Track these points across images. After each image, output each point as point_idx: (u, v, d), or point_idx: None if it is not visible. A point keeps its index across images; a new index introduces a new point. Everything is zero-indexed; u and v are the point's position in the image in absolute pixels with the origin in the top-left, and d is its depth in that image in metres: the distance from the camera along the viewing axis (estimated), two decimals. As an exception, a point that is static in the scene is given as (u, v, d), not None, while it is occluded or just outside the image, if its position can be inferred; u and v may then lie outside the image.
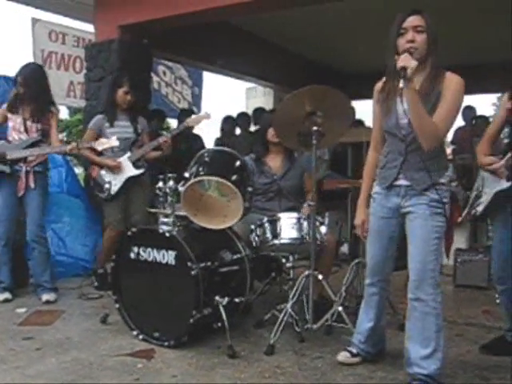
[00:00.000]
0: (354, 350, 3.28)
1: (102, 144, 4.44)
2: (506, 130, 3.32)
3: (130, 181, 4.87)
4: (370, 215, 3.10)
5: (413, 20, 2.72)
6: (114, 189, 4.83)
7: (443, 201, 2.79)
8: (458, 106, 2.76)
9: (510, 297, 3.33)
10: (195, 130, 6.74)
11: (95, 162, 4.92)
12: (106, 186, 4.82)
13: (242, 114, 7.67)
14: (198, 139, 7.12)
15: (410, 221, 2.88)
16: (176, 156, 5.30)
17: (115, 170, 4.82)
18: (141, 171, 4.89)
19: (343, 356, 3.28)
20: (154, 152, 4.99)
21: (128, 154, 4.87)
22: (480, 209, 3.35)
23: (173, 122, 10.42)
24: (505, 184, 3.13)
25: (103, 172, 4.87)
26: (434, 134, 2.70)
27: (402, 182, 2.88)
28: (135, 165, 4.87)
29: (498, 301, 4.43)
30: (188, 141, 6.63)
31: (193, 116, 5.10)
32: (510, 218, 3.21)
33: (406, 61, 2.60)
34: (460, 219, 3.64)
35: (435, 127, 2.68)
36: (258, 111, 7.25)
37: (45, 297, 4.56)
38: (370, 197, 3.12)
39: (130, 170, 4.85)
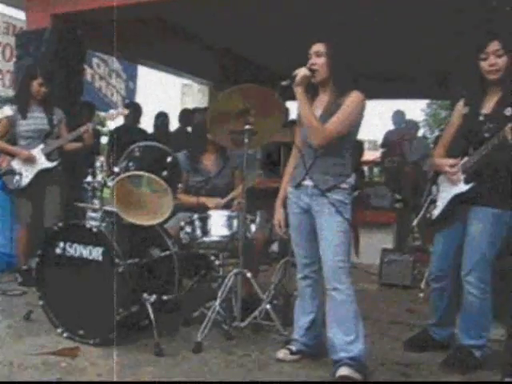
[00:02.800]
0: (294, 348, 3.34)
1: None
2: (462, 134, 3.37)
3: (42, 174, 4.72)
4: (289, 213, 3.31)
5: (314, 47, 3.16)
6: (25, 180, 4.67)
7: (345, 201, 3.07)
8: (352, 115, 3.07)
9: (441, 295, 3.47)
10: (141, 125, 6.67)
11: (7, 151, 4.78)
12: (16, 177, 4.66)
13: (185, 111, 7.62)
14: (141, 133, 6.99)
15: (317, 218, 3.13)
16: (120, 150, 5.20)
17: (27, 160, 4.67)
18: (54, 164, 4.75)
19: (282, 353, 3.33)
20: (73, 143, 4.86)
21: (41, 145, 4.72)
22: (436, 212, 3.42)
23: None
24: (463, 187, 3.22)
25: (14, 163, 4.71)
26: (321, 133, 3.03)
27: (308, 182, 3.16)
28: (48, 157, 4.73)
29: (421, 295, 4.60)
30: (132, 136, 6.51)
31: (110, 111, 4.99)
32: (458, 222, 3.31)
33: (299, 70, 3.07)
34: (414, 223, 3.72)
35: (321, 127, 3.03)
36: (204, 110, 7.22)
37: None
38: None
39: (43, 163, 4.71)
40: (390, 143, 8.39)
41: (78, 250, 3.49)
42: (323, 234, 3.09)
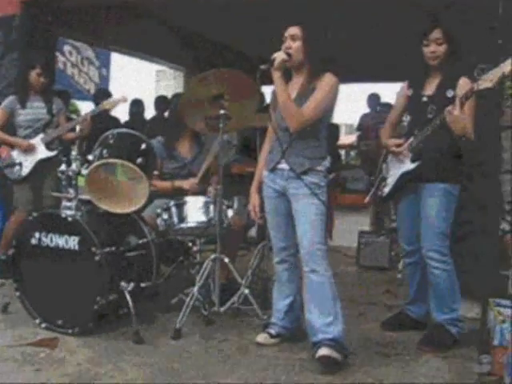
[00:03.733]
0: (273, 331, 3.36)
1: None
2: (407, 116, 3.54)
3: (42, 163, 4.72)
4: (264, 197, 3.32)
5: (290, 30, 3.14)
6: (25, 170, 4.68)
7: (320, 184, 3.10)
8: (327, 98, 3.09)
9: (415, 269, 3.57)
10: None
11: (7, 141, 4.77)
12: (17, 167, 4.68)
13: (161, 97, 7.57)
14: (114, 121, 6.93)
15: (293, 201, 3.14)
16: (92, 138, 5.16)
17: (27, 150, 4.66)
18: (53, 153, 4.75)
19: (262, 337, 3.36)
20: (70, 133, 4.90)
21: (41, 135, 4.73)
22: (386, 190, 3.58)
23: (81, 105, 10.07)
24: (410, 166, 3.35)
25: (14, 153, 4.72)
26: (297, 117, 3.04)
27: (283, 165, 3.16)
28: (48, 147, 4.74)
29: (398, 276, 4.69)
30: (104, 122, 6.44)
31: (110, 99, 5.00)
32: (412, 197, 3.44)
33: (277, 54, 3.05)
34: (366, 200, 3.82)
35: (297, 111, 3.04)
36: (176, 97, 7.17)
37: None
38: None
39: (43, 152, 4.71)
40: (366, 127, 8.42)
41: (53, 240, 3.46)
42: (299, 217, 3.10)
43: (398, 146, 3.42)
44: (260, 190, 3.36)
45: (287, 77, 3.20)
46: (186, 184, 4.16)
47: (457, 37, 3.31)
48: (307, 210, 3.07)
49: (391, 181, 3.53)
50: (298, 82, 3.20)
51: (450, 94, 3.22)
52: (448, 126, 3.06)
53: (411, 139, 3.35)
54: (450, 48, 3.27)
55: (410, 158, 3.35)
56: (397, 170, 3.47)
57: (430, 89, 3.37)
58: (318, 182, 3.09)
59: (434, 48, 3.27)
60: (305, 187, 3.06)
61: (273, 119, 3.26)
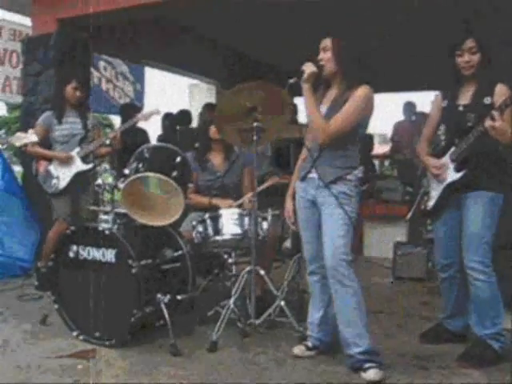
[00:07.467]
0: (310, 344, 3.34)
1: (19, 139, 4.38)
2: (442, 127, 3.47)
3: (79, 176, 4.81)
4: (296, 208, 3.35)
5: (322, 42, 3.18)
6: (62, 183, 4.78)
7: (350, 194, 3.08)
8: (357, 110, 3.08)
9: (451, 284, 3.51)
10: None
11: (45, 155, 4.87)
12: (54, 181, 4.78)
13: (183, 112, 7.62)
14: (142, 133, 7.01)
15: (322, 210, 3.15)
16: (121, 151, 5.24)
17: (64, 164, 4.76)
18: (89, 166, 4.83)
19: (298, 350, 3.34)
20: (104, 148, 4.96)
21: (77, 149, 4.82)
22: (431, 203, 3.49)
23: (115, 119, 10.22)
24: (455, 176, 3.29)
25: (51, 167, 4.81)
26: (323, 129, 3.06)
27: (313, 175, 3.18)
28: (84, 160, 4.82)
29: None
30: (132, 135, 6.52)
31: (143, 111, 5.07)
32: (453, 209, 3.37)
33: (306, 66, 3.09)
34: (408, 216, 3.76)
35: (324, 124, 3.06)
36: (208, 107, 7.20)
37: None
38: None
39: (79, 166, 4.80)
40: (400, 136, 8.33)
41: (91, 253, 3.51)
42: (325, 227, 3.12)
43: (436, 168, 3.38)
44: (294, 198, 3.37)
45: (325, 86, 3.24)
46: (223, 204, 4.15)
47: (489, 45, 3.29)
48: (332, 219, 3.08)
49: (435, 194, 3.45)
50: (332, 93, 3.22)
51: (487, 101, 3.19)
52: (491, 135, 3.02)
53: (452, 149, 3.30)
54: (484, 56, 3.24)
55: (454, 167, 3.29)
56: (439, 181, 3.40)
57: (465, 98, 3.33)
58: (346, 191, 3.08)
59: (468, 58, 3.24)
60: (332, 197, 3.06)
61: (306, 129, 3.28)
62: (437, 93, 3.58)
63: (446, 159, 3.34)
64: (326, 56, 3.13)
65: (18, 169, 7.75)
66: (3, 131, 24.88)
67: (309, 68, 3.08)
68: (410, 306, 4.51)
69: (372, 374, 2.96)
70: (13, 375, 3.05)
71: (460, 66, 3.28)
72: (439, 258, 3.55)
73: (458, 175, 3.28)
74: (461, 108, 3.31)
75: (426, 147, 3.58)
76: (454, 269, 3.44)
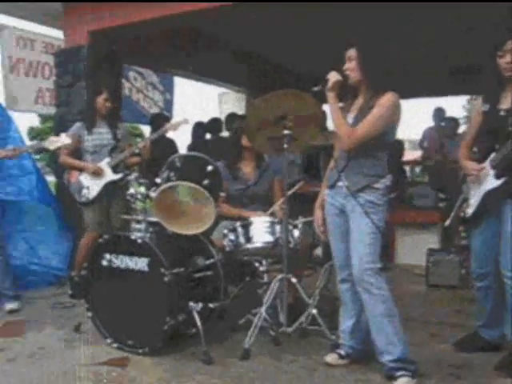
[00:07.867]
0: (343, 352, 3.33)
1: (53, 143, 4.45)
2: (483, 132, 3.40)
3: (109, 186, 4.87)
4: (326, 216, 3.34)
5: (347, 52, 3.20)
6: (93, 193, 4.84)
7: (377, 202, 3.08)
8: (382, 117, 3.07)
9: (486, 294, 3.44)
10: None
11: (76, 166, 4.93)
12: (84, 191, 4.83)
13: (213, 120, 7.65)
14: (170, 143, 7.07)
15: (350, 219, 3.16)
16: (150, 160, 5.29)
17: (95, 174, 4.82)
18: (119, 176, 4.88)
19: (331, 358, 3.34)
20: (134, 158, 5.02)
21: (107, 159, 4.88)
22: (470, 211, 3.41)
23: (145, 129, 10.32)
24: (495, 182, 3.21)
25: (82, 177, 4.87)
26: (348, 135, 3.07)
27: (341, 183, 3.18)
28: (114, 170, 4.88)
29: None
30: (161, 145, 6.58)
31: (172, 121, 5.12)
32: (492, 217, 3.29)
33: (331, 75, 3.13)
34: (447, 222, 3.71)
35: (349, 130, 3.08)
36: (231, 117, 7.23)
37: (8, 306, 4.53)
38: None
39: (109, 175, 4.86)
40: (429, 142, 8.26)
41: (123, 261, 3.55)
42: (352, 235, 3.13)
43: (476, 170, 3.30)
44: (323, 207, 3.37)
45: (353, 94, 3.26)
46: (253, 216, 4.12)
47: None
48: (359, 228, 3.08)
49: (475, 201, 3.37)
50: (358, 102, 3.23)
51: None
52: None
53: (493, 155, 3.23)
54: None
55: (494, 174, 3.21)
56: (479, 189, 3.33)
57: (506, 102, 3.21)
58: (374, 200, 3.08)
59: (510, 58, 3.12)
60: (358, 205, 3.07)
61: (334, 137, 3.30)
62: (467, 97, 3.51)
63: (487, 165, 3.26)
64: (351, 65, 3.16)
65: (50, 179, 7.87)
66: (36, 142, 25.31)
67: (333, 77, 3.11)
68: (443, 313, 4.45)
69: (403, 382, 2.94)
70: (48, 381, 3.10)
71: (501, 67, 3.18)
72: (475, 267, 3.48)
73: (498, 182, 3.20)
74: (502, 113, 3.21)
75: (467, 152, 3.50)
76: (490, 278, 3.38)
